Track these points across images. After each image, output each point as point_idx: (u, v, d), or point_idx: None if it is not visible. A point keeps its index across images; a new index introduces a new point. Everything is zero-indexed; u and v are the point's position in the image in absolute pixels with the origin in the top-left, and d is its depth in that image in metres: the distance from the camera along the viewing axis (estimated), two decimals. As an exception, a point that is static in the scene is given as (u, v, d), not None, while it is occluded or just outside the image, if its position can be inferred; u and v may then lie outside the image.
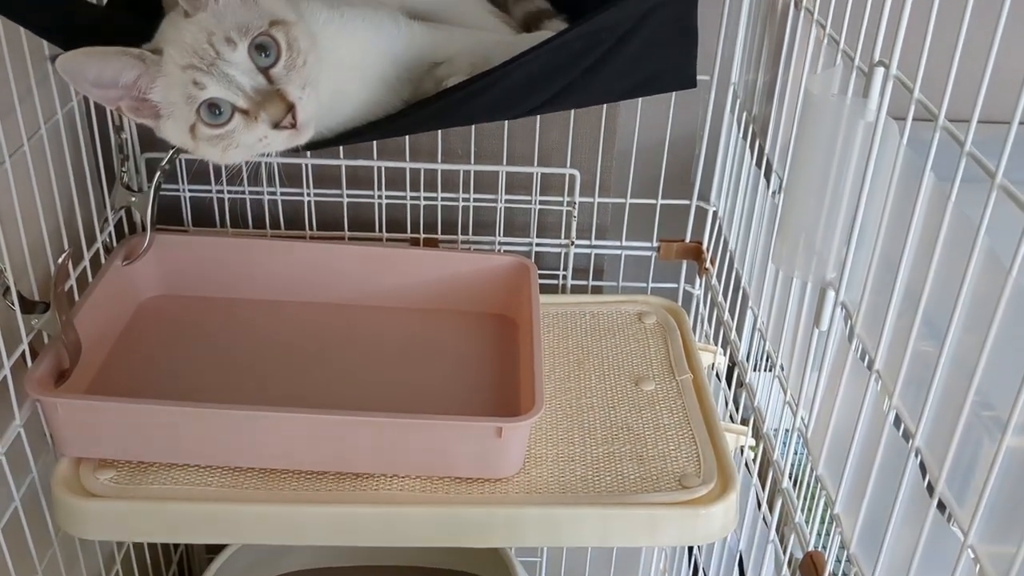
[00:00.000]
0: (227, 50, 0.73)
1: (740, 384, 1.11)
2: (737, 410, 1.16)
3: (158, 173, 1.07)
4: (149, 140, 1.23)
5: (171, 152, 1.08)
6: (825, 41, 0.83)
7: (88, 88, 0.75)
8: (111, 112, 1.18)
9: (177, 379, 1.00)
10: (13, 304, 0.86)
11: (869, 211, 0.72)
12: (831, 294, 0.78)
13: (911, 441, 0.66)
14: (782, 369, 0.95)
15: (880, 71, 0.69)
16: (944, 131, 0.61)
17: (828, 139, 0.76)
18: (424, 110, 0.82)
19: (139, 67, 0.74)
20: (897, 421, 0.69)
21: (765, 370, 1.02)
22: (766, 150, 1.03)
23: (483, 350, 1.08)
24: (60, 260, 0.87)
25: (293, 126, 0.74)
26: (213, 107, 0.74)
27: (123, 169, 1.16)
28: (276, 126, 0.74)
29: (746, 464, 1.07)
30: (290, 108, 0.74)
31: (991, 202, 0.55)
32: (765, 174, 1.04)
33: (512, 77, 0.77)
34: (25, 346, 0.89)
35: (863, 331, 0.75)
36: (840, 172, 0.76)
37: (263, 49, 0.74)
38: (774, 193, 1.00)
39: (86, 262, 1.09)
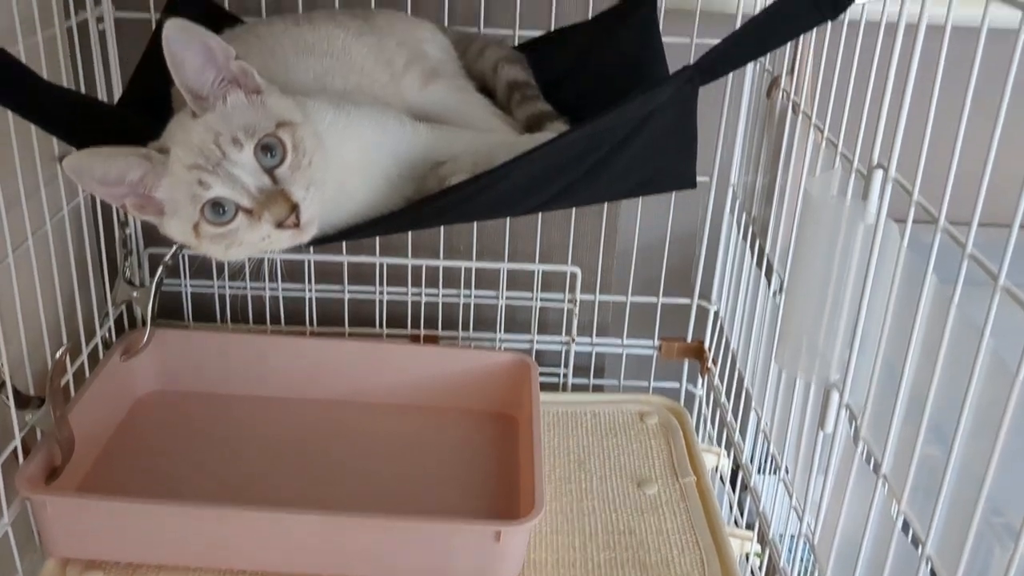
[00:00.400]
0: (233, 151, 0.73)
1: (744, 487, 1.09)
2: (742, 514, 1.14)
3: (160, 268, 1.07)
4: (153, 235, 1.24)
5: (174, 248, 1.09)
6: (824, 144, 0.84)
7: (94, 186, 0.76)
8: (116, 208, 1.19)
9: (171, 477, 0.98)
10: (8, 400, 0.85)
11: (871, 313, 0.72)
12: (835, 396, 0.77)
13: (921, 548, 0.64)
14: (787, 472, 0.93)
15: (879, 173, 0.69)
16: (945, 233, 0.61)
17: (828, 240, 0.76)
18: (427, 207, 0.82)
19: (145, 166, 0.75)
20: (906, 526, 0.68)
21: (770, 473, 1.00)
22: (766, 251, 1.03)
23: (482, 449, 1.06)
24: (57, 355, 0.86)
25: (296, 226, 0.75)
26: (217, 206, 0.74)
27: (126, 264, 1.16)
28: (279, 225, 0.74)
29: (752, 571, 1.04)
30: (293, 208, 0.74)
31: (994, 304, 0.55)
32: (766, 274, 1.04)
33: (515, 176, 0.78)
34: (17, 443, 0.88)
35: (868, 434, 0.74)
36: (841, 273, 0.76)
37: (269, 149, 0.75)
38: (775, 293, 1.00)
39: (84, 357, 1.08)
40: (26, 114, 0.80)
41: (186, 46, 0.71)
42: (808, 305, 0.80)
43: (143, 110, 0.90)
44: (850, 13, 0.69)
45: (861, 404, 0.74)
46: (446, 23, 1.15)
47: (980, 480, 0.56)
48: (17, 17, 0.90)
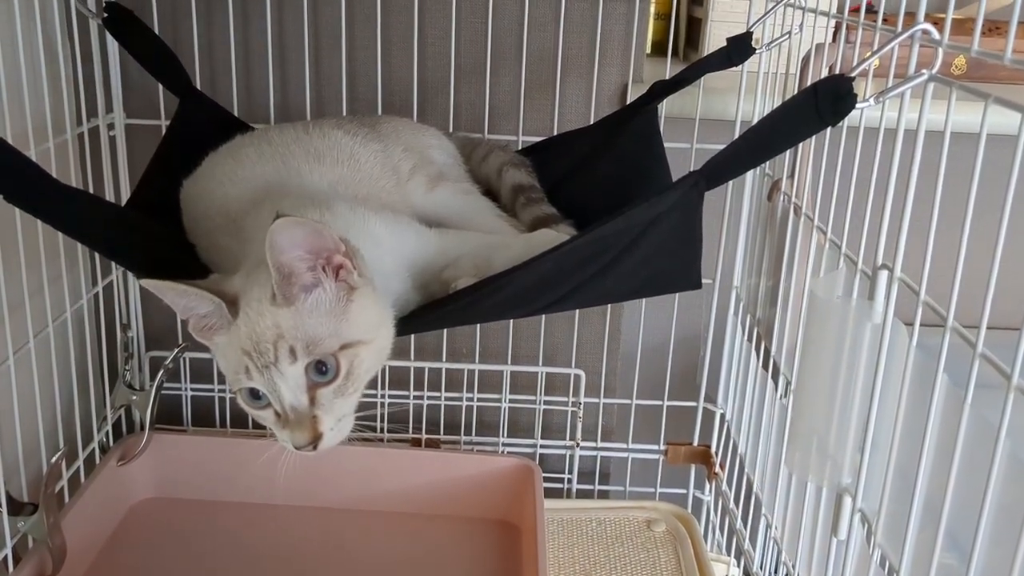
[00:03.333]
0: (286, 362, 0.70)
1: (756, 597, 1.06)
2: (754, 626, 1.10)
3: (161, 372, 1.07)
4: (154, 338, 1.24)
5: (176, 351, 1.08)
6: (827, 246, 0.84)
7: (171, 301, 0.74)
8: (119, 310, 1.19)
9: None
10: (0, 506, 0.83)
11: (882, 415, 0.71)
12: (848, 501, 0.75)
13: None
14: (800, 581, 0.90)
15: (884, 274, 0.69)
16: (954, 333, 0.60)
17: (836, 342, 0.76)
18: (435, 312, 0.82)
19: (211, 309, 0.72)
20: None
21: (782, 582, 0.97)
22: (772, 352, 1.02)
23: (484, 560, 1.03)
24: (53, 460, 0.85)
25: (313, 449, 0.73)
26: (254, 391, 0.73)
27: (126, 367, 1.16)
28: (296, 446, 0.73)
29: None
30: (316, 439, 0.72)
31: (1009, 404, 0.54)
32: (772, 376, 1.03)
33: (523, 280, 0.78)
34: (8, 550, 0.86)
35: (884, 540, 0.71)
36: (850, 375, 0.75)
37: (322, 365, 0.72)
38: (782, 395, 0.99)
39: (80, 461, 1.06)
40: (37, 214, 0.80)
41: (292, 228, 0.67)
42: (817, 407, 0.79)
43: (151, 212, 0.91)
44: (849, 119, 0.70)
45: (875, 509, 0.72)
46: (451, 129, 1.17)
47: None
48: (30, 124, 0.92)
